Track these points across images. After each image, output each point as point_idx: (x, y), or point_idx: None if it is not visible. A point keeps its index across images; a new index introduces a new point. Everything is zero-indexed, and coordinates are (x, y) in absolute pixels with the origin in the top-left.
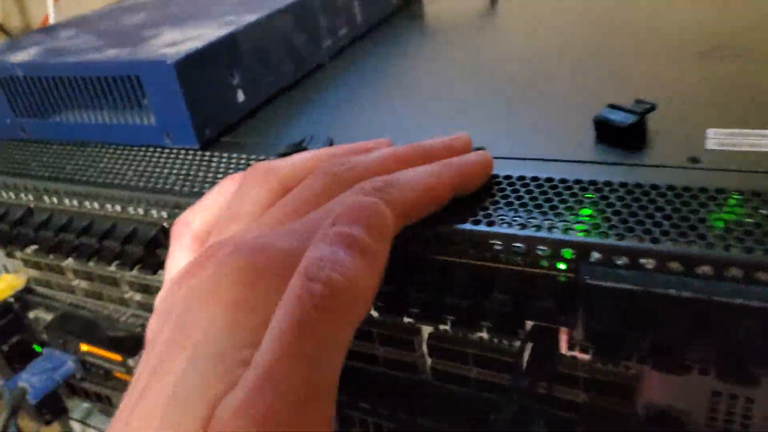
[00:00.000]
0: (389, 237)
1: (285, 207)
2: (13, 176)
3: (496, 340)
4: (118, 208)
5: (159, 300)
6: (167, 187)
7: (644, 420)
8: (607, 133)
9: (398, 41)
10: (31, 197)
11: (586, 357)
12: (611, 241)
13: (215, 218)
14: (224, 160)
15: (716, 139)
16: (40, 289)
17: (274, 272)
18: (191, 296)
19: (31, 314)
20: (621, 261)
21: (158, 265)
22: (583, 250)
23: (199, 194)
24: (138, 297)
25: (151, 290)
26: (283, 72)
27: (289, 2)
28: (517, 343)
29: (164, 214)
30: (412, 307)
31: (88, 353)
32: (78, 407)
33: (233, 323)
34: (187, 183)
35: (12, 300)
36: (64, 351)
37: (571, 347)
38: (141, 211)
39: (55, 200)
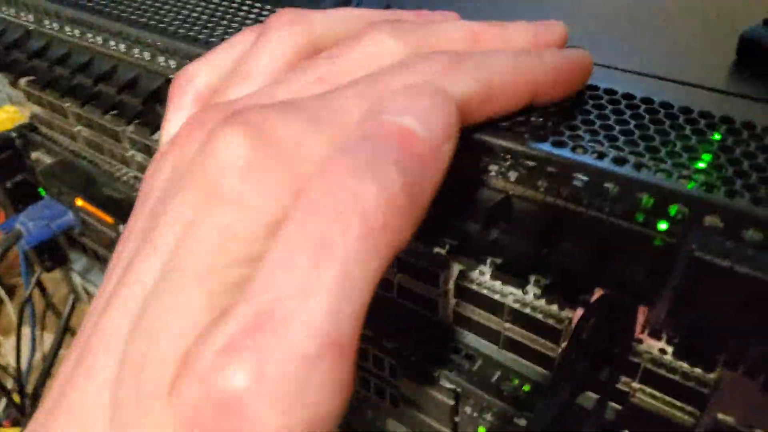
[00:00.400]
0: (454, 139)
1: (311, 71)
2: None
3: (543, 300)
4: (122, 47)
5: (144, 176)
6: (181, 32)
7: None
8: (755, 56)
9: None
10: (31, 18)
11: (657, 345)
12: (742, 204)
13: (224, 75)
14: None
15: None
16: (43, 129)
17: (280, 162)
18: (173, 179)
19: (34, 155)
20: (751, 235)
21: (158, 126)
22: (698, 209)
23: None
24: (139, 157)
25: (152, 152)
26: None
27: None
28: (570, 313)
29: (173, 63)
30: (449, 236)
31: (83, 209)
32: (79, 260)
33: (221, 228)
34: (206, 30)
35: (14, 135)
36: (59, 202)
37: (641, 329)
38: (147, 55)
39: (55, 26)
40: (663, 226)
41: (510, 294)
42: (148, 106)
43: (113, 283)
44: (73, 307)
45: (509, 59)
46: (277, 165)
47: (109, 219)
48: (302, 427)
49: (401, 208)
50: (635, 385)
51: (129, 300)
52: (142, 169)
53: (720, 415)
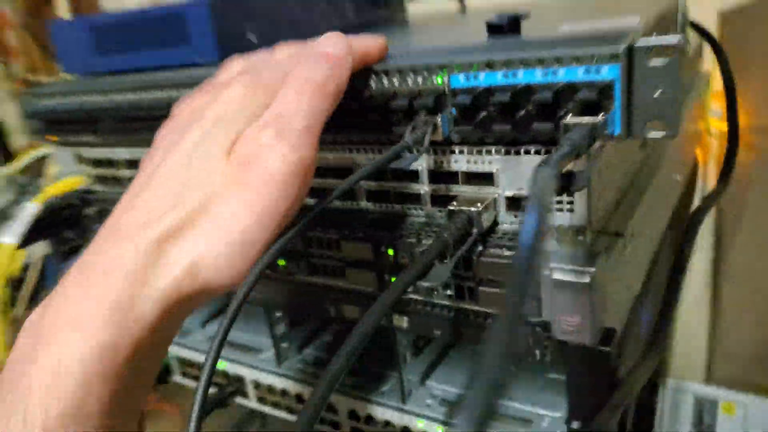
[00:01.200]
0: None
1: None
2: None
3: None
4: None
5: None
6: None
7: None
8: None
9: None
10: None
11: None
12: None
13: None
14: None
15: None
16: (96, 191)
17: (269, 83)
18: (203, 98)
19: (88, 210)
20: None
21: None
22: None
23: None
24: None
25: None
26: (283, 34)
27: None
28: None
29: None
30: None
31: None
32: None
33: (246, 98)
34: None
35: (73, 197)
36: None
37: None
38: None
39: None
40: None
41: None
42: None
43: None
44: None
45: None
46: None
47: None
48: (299, 156)
49: (335, 78)
50: None
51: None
52: None
53: None
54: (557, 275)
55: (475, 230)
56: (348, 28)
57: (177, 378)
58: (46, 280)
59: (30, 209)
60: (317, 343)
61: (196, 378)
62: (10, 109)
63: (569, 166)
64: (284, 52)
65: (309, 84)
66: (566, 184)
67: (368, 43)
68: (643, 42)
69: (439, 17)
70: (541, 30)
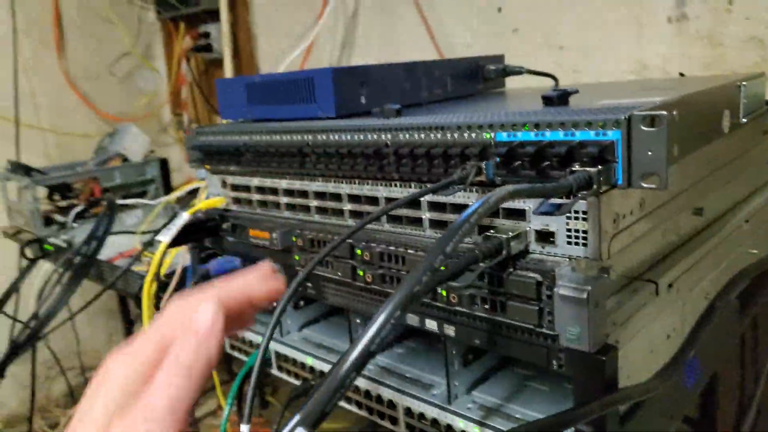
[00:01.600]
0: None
1: None
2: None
3: None
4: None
5: None
6: None
7: None
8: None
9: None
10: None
11: None
12: None
13: None
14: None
15: None
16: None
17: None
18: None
19: (225, 225)
20: None
21: None
22: None
23: None
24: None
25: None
26: (390, 98)
27: (405, 63)
28: None
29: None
30: None
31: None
32: None
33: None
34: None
35: (215, 213)
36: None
37: None
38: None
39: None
40: None
41: None
42: None
43: None
44: None
45: None
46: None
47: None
48: None
49: (201, 356)
50: None
51: None
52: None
53: None
54: (562, 291)
55: (504, 252)
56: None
57: (274, 371)
58: (185, 282)
59: (182, 218)
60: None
61: (290, 372)
62: (176, 152)
63: (567, 202)
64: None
65: (177, 368)
66: (553, 210)
67: (253, 288)
68: (639, 113)
69: (527, 91)
70: (583, 103)
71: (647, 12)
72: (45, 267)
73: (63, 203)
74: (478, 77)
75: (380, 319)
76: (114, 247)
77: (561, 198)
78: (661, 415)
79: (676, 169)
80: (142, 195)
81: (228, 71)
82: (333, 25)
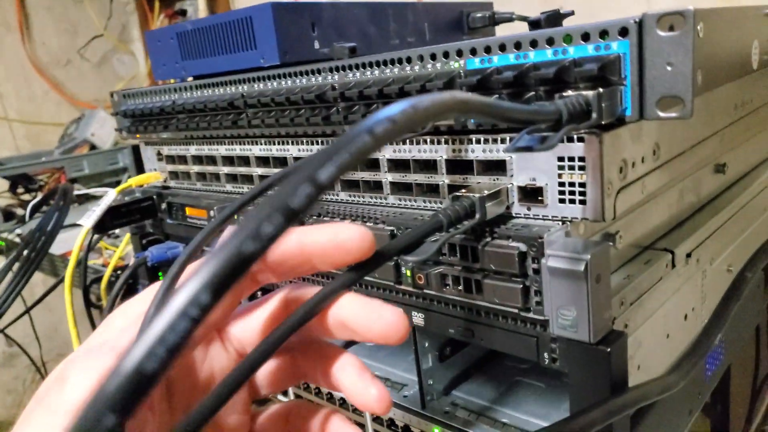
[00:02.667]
0: None
1: None
2: None
3: None
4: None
5: None
6: None
7: None
8: None
9: None
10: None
11: None
12: None
13: None
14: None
15: None
16: (172, 186)
17: None
18: None
19: (163, 205)
20: None
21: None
22: None
23: None
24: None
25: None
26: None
27: (370, 2)
28: None
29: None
30: None
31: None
32: None
33: None
34: None
35: (154, 190)
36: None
37: None
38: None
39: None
40: None
41: None
42: None
43: None
44: None
45: None
46: None
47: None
48: None
49: None
50: None
51: None
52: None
53: None
54: (552, 262)
55: (478, 215)
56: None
57: None
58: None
59: (108, 197)
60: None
61: None
62: None
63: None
64: None
65: None
66: (533, 144)
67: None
68: (654, 12)
69: None
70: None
71: None
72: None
73: (27, 197)
74: (462, 26)
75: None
76: (73, 240)
77: (544, 131)
78: (678, 410)
79: (699, 106)
80: (115, 185)
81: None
82: None
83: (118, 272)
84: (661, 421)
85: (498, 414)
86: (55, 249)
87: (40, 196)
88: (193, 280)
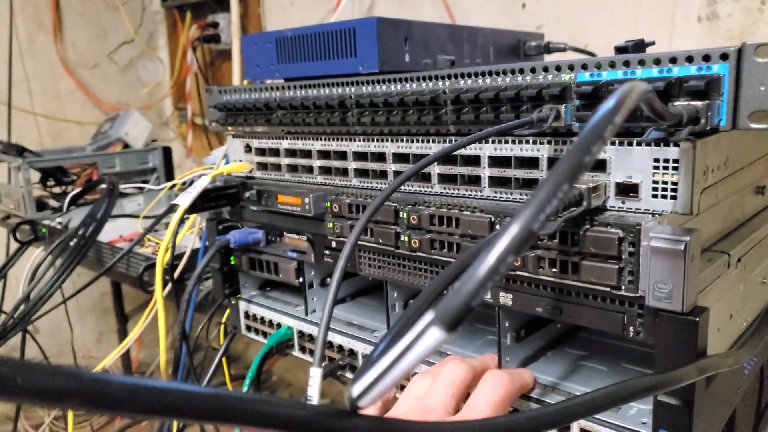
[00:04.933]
0: None
1: None
2: None
3: None
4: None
5: None
6: None
7: None
8: None
9: None
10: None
11: None
12: None
13: None
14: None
15: None
16: (257, 176)
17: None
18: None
19: (247, 193)
20: None
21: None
22: None
23: None
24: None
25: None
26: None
27: (450, 24)
28: None
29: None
30: None
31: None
32: (246, 290)
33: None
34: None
35: (240, 177)
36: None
37: None
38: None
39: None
40: None
41: None
42: None
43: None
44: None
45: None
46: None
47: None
48: None
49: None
50: None
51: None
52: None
53: None
54: (655, 243)
55: (585, 203)
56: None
57: (296, 353)
58: (195, 263)
59: (203, 181)
60: None
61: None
62: (177, 148)
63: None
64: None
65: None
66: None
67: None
68: (752, 42)
69: None
70: None
71: (680, 9)
72: (37, 254)
73: (57, 189)
74: (519, 52)
75: (548, 187)
76: (115, 232)
77: (666, 130)
78: (724, 397)
79: (756, 132)
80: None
81: (236, 63)
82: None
83: (175, 263)
84: (713, 404)
85: (567, 388)
86: (100, 238)
87: (74, 189)
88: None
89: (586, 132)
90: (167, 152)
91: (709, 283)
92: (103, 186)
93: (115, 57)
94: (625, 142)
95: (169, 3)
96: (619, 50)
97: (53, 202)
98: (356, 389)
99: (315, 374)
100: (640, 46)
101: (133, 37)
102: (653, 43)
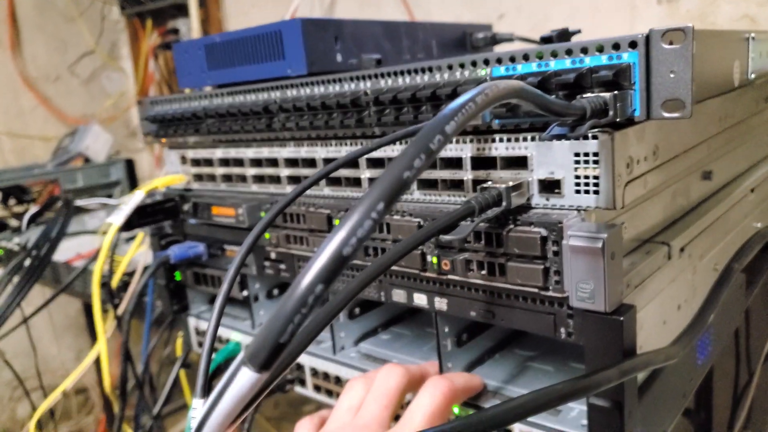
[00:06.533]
0: None
1: None
2: None
3: None
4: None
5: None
6: None
7: None
8: None
9: None
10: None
11: None
12: None
13: None
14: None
15: None
16: (195, 188)
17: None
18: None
19: (185, 206)
20: None
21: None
22: None
23: None
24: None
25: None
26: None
27: (385, 21)
28: None
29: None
30: None
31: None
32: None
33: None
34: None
35: (174, 192)
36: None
37: None
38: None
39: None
40: None
41: None
42: None
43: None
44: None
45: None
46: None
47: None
48: None
49: None
50: None
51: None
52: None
53: None
54: (573, 241)
55: (504, 203)
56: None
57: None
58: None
59: (136, 196)
60: (372, 339)
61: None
62: (146, 158)
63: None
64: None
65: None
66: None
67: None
68: (659, 28)
69: None
70: None
71: None
72: None
73: (19, 209)
74: (466, 45)
75: (361, 209)
76: (72, 251)
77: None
78: (674, 391)
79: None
80: (108, 198)
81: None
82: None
83: (125, 277)
84: (660, 399)
85: (511, 393)
86: (57, 257)
87: (34, 207)
88: (368, 196)
89: (409, 145)
90: (130, 164)
91: (646, 277)
92: (60, 202)
93: (77, 69)
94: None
95: (128, 11)
96: (544, 40)
97: (14, 222)
98: None
99: (197, 405)
100: (564, 35)
101: (93, 48)
102: (579, 31)
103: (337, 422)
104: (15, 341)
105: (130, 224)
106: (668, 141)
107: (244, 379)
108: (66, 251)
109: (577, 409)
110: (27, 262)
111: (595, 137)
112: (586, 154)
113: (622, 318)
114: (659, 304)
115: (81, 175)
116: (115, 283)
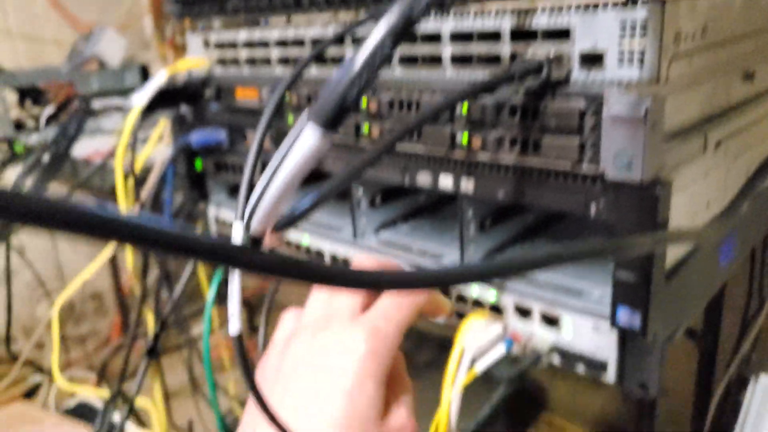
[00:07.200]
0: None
1: None
2: None
3: None
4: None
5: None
6: None
7: None
8: None
9: None
10: None
11: None
12: None
13: None
14: None
15: None
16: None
17: None
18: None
19: (208, 91)
20: None
21: None
22: None
23: None
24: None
25: None
26: None
27: None
28: None
29: None
30: None
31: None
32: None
33: None
34: None
35: (197, 78)
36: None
37: None
38: None
39: None
40: None
41: None
42: None
43: None
44: None
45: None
46: None
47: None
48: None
49: None
50: None
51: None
52: None
53: None
54: (614, 110)
55: (545, 71)
56: None
57: None
58: (166, 179)
59: (160, 76)
60: (392, 228)
61: None
62: (161, 68)
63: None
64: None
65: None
66: None
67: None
68: None
69: None
70: None
71: None
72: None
73: (35, 110)
74: None
75: None
76: (92, 148)
77: None
78: (697, 287)
79: (743, 3)
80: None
81: None
82: None
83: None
84: (683, 291)
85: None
86: (78, 153)
87: (50, 107)
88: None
89: None
90: (144, 71)
91: (680, 162)
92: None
93: None
94: (591, 6)
95: None
96: None
97: (31, 122)
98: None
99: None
100: None
101: None
102: None
103: (310, 309)
104: (34, 243)
105: (151, 107)
106: (718, 23)
107: (310, 137)
108: (84, 150)
109: (597, 292)
110: (46, 158)
111: (645, 1)
112: (633, 25)
113: (657, 191)
114: (690, 196)
115: (96, 79)
116: (138, 167)
